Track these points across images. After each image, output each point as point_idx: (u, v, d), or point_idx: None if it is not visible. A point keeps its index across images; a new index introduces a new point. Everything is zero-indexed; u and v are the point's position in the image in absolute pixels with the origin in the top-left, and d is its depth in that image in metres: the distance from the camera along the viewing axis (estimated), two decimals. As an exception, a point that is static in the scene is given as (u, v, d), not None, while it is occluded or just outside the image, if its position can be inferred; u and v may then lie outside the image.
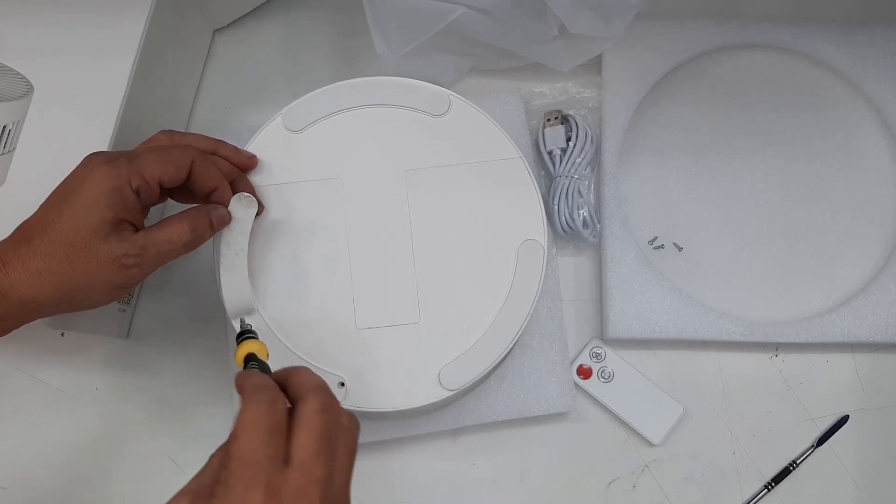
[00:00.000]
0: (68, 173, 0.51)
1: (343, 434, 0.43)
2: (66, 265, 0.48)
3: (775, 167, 0.71)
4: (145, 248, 0.50)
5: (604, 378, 0.67)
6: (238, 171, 0.57)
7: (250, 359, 0.49)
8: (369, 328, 0.57)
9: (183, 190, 0.54)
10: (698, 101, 0.73)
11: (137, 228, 0.51)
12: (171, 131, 0.55)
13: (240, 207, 0.55)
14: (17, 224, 0.57)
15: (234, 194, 0.55)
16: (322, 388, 0.44)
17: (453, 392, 0.56)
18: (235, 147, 0.58)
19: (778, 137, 0.72)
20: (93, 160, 0.50)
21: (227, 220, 0.54)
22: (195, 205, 0.54)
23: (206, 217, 0.53)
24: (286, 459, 0.40)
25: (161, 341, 0.69)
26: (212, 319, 0.68)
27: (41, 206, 0.50)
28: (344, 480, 0.43)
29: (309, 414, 0.42)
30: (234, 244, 0.55)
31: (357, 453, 0.45)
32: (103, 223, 0.48)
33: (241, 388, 0.44)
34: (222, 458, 0.40)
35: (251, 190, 0.57)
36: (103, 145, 0.59)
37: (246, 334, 0.51)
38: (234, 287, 0.55)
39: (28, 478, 0.66)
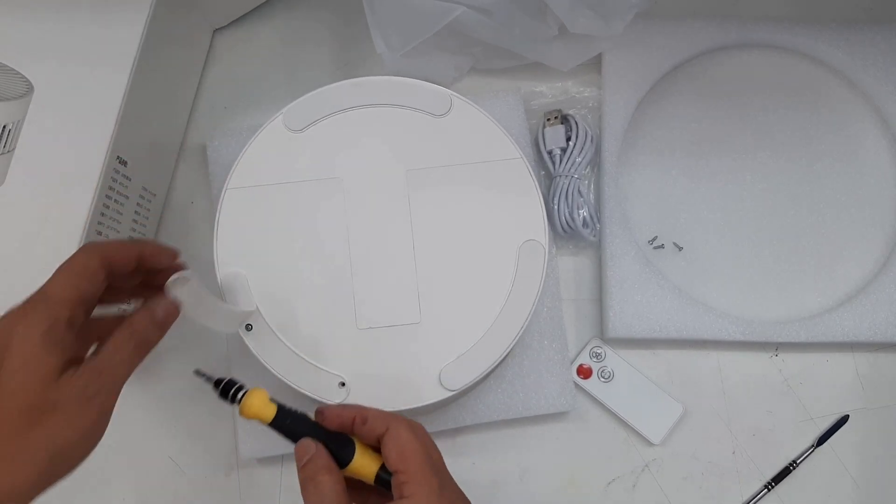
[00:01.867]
0: None
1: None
2: (30, 437, 0.42)
3: (775, 167, 0.71)
4: (100, 372, 0.44)
5: (604, 378, 0.67)
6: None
7: (282, 409, 0.47)
8: (370, 328, 0.57)
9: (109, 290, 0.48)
10: (698, 101, 0.73)
11: (82, 357, 0.45)
12: (89, 245, 0.47)
13: (182, 291, 0.49)
14: (17, 224, 0.58)
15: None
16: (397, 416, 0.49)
17: (454, 392, 0.56)
18: (159, 249, 0.51)
19: (778, 137, 0.72)
20: (6, 319, 0.43)
21: (175, 312, 0.49)
22: (134, 311, 0.48)
23: (149, 319, 0.47)
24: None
25: (161, 341, 0.68)
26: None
27: None
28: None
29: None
30: (203, 316, 0.52)
31: None
32: (50, 374, 0.42)
33: (366, 417, 0.47)
34: (340, 481, 0.46)
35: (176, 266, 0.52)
36: (103, 144, 0.58)
37: (237, 389, 0.48)
38: (220, 318, 0.54)
39: (28, 478, 0.66)
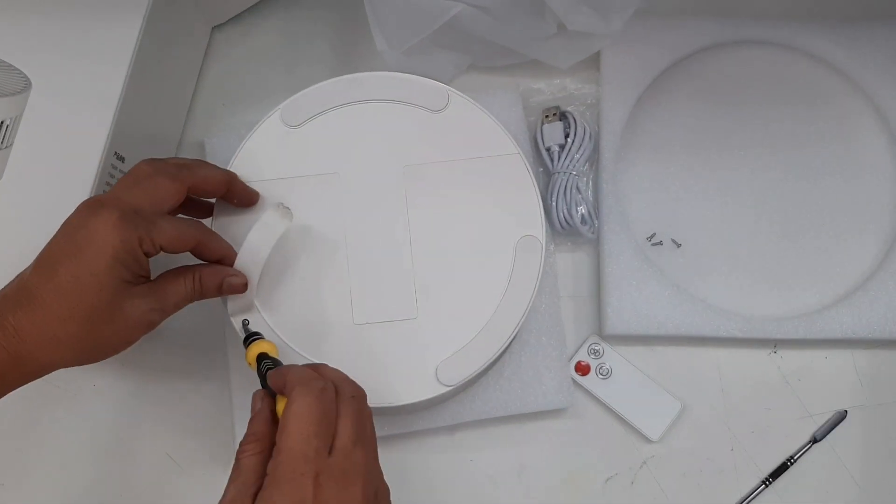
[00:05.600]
0: (68, 222, 0.49)
1: (368, 417, 0.47)
2: (90, 328, 0.47)
3: (774, 164, 0.71)
4: (166, 301, 0.50)
5: (602, 374, 0.67)
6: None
7: (264, 358, 0.50)
8: (367, 323, 0.57)
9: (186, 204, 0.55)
10: (697, 98, 0.73)
11: (147, 279, 0.51)
12: (153, 161, 0.53)
13: (276, 217, 0.54)
14: (15, 219, 0.58)
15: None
16: (349, 378, 0.48)
17: (451, 388, 0.56)
18: (244, 185, 0.57)
19: (776, 134, 0.72)
20: (101, 214, 0.47)
21: (239, 290, 0.54)
22: (206, 263, 0.54)
23: (219, 279, 0.53)
24: (330, 448, 0.43)
25: (159, 339, 0.68)
26: (211, 318, 0.68)
27: (45, 262, 0.48)
28: (376, 459, 0.46)
29: (345, 402, 0.45)
30: (255, 251, 0.54)
31: None
32: (122, 283, 0.47)
33: (284, 383, 0.46)
34: (265, 450, 0.44)
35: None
36: (101, 140, 0.59)
37: (254, 336, 0.52)
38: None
39: (26, 475, 0.66)
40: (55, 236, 0.48)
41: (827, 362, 0.68)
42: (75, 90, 0.60)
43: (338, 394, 0.46)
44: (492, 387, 0.65)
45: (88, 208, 0.48)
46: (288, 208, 0.55)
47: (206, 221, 0.58)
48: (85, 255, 0.46)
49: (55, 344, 0.46)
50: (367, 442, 0.45)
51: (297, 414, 0.43)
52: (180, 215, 0.55)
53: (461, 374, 0.56)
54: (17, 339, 0.45)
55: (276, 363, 0.50)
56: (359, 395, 0.47)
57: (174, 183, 0.51)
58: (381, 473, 0.47)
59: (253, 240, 0.54)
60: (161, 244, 0.49)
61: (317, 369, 0.48)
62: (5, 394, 0.48)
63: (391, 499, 0.47)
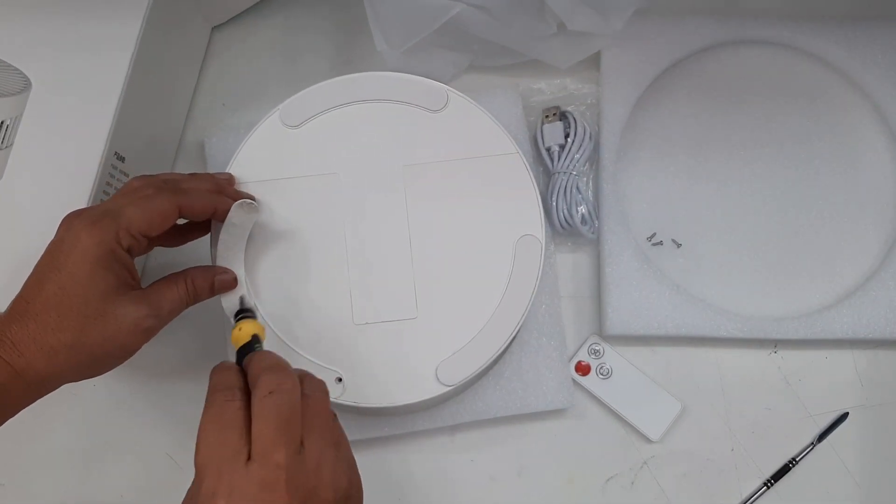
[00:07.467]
0: (50, 241, 0.49)
1: (308, 407, 0.43)
2: (83, 337, 0.47)
3: (774, 164, 0.71)
4: (160, 307, 0.50)
5: (602, 374, 0.67)
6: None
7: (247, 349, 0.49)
8: (367, 323, 0.57)
9: (169, 234, 0.53)
10: (697, 98, 0.73)
11: (137, 285, 0.51)
12: (143, 176, 0.53)
13: (241, 213, 0.54)
14: (15, 219, 0.58)
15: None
16: (271, 369, 0.44)
17: (451, 387, 0.56)
18: (237, 193, 0.57)
19: (777, 134, 0.72)
20: (74, 225, 0.48)
21: (230, 285, 0.55)
22: (196, 266, 0.54)
23: (210, 279, 0.53)
24: (249, 454, 0.41)
25: (159, 338, 0.68)
26: (210, 316, 0.68)
27: (33, 279, 0.48)
28: (318, 454, 0.42)
29: (258, 401, 0.42)
30: (232, 247, 0.55)
31: (336, 416, 0.46)
32: (109, 289, 0.48)
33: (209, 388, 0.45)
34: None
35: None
36: (101, 140, 0.59)
37: (243, 313, 0.51)
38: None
39: (25, 474, 0.66)
40: (41, 256, 0.49)
41: (827, 362, 0.68)
42: (75, 90, 0.60)
43: (254, 393, 0.43)
44: (492, 387, 0.65)
45: (64, 223, 0.50)
46: (252, 202, 0.54)
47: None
48: (67, 266, 0.47)
49: (51, 354, 0.46)
50: (295, 440, 0.41)
51: (202, 426, 0.43)
52: (181, 220, 0.54)
53: (461, 374, 0.56)
54: (16, 353, 0.46)
55: (245, 351, 0.48)
56: (280, 389, 0.42)
57: (167, 198, 0.51)
58: (333, 470, 0.43)
59: (224, 245, 0.55)
60: (139, 229, 0.49)
61: (248, 364, 0.46)
62: (15, 412, 0.48)
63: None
